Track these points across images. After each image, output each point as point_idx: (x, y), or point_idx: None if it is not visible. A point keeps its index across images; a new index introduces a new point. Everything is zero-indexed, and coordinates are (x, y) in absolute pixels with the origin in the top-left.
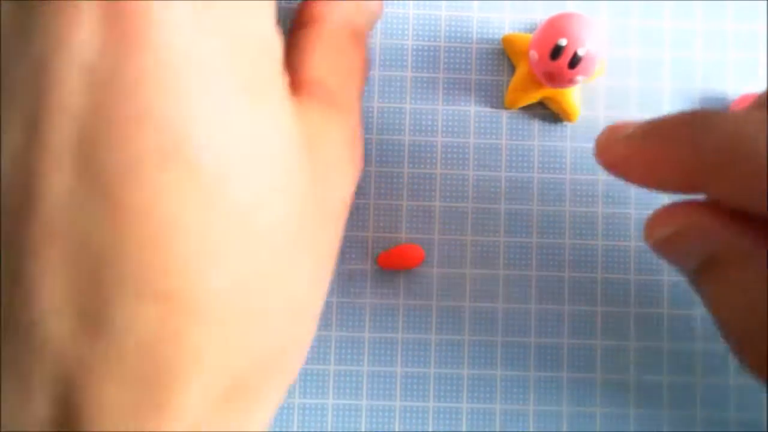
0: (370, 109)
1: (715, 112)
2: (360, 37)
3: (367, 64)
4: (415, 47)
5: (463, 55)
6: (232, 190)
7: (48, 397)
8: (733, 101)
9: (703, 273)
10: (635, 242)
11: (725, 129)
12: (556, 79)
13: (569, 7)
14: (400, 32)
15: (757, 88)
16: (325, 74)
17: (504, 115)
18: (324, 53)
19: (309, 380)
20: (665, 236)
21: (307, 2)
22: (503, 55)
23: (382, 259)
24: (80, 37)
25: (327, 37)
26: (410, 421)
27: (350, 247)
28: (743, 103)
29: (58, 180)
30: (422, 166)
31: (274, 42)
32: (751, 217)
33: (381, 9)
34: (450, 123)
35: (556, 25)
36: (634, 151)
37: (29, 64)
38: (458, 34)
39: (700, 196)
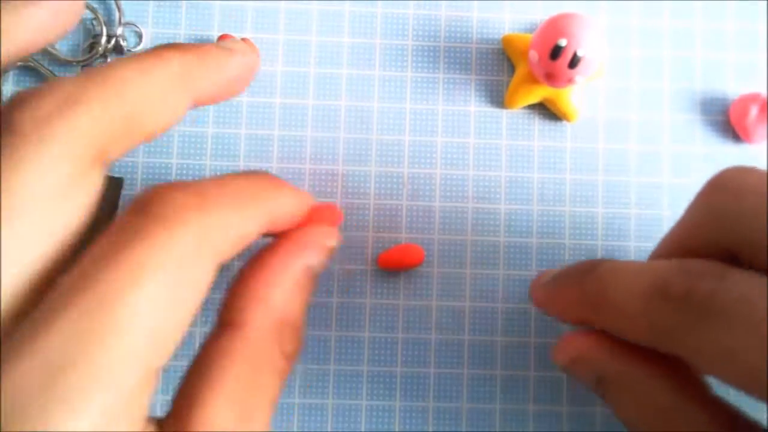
0: (370, 109)
1: (605, 262)
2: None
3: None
4: (415, 47)
5: (463, 55)
6: None
7: None
8: (733, 101)
9: (597, 388)
10: (634, 242)
11: (601, 277)
12: (556, 79)
13: (569, 7)
14: (400, 32)
15: (757, 88)
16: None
17: (504, 115)
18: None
19: (309, 380)
20: (564, 364)
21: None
22: (503, 55)
23: (382, 259)
24: None
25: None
26: (410, 421)
27: (350, 247)
28: (743, 103)
29: None
30: (422, 166)
31: None
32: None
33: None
34: (450, 123)
35: (556, 25)
36: (548, 295)
37: None
38: (458, 34)
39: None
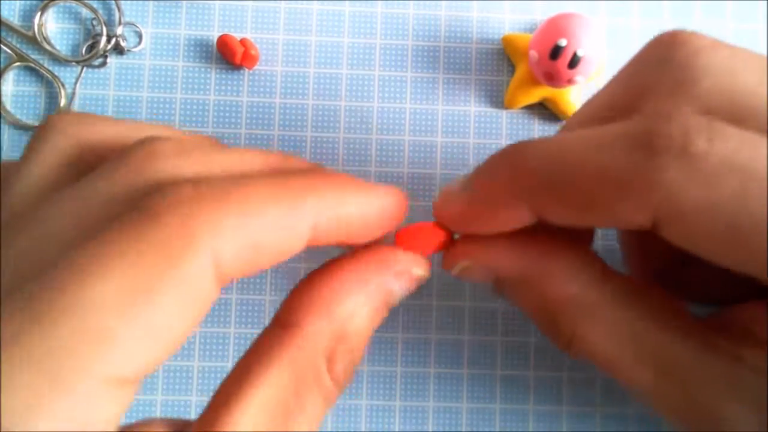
0: (370, 110)
1: (535, 139)
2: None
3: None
4: (415, 47)
5: (463, 55)
6: None
7: None
8: None
9: (497, 287)
10: None
11: (545, 151)
12: (556, 79)
13: (569, 7)
14: (400, 32)
15: None
16: None
17: (504, 115)
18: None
19: None
20: (459, 271)
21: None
22: (503, 55)
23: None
24: None
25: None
26: (410, 421)
27: None
28: None
29: None
30: (422, 166)
31: None
32: (532, 236)
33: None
34: (450, 123)
35: (555, 26)
36: (464, 202)
37: None
38: (458, 34)
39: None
